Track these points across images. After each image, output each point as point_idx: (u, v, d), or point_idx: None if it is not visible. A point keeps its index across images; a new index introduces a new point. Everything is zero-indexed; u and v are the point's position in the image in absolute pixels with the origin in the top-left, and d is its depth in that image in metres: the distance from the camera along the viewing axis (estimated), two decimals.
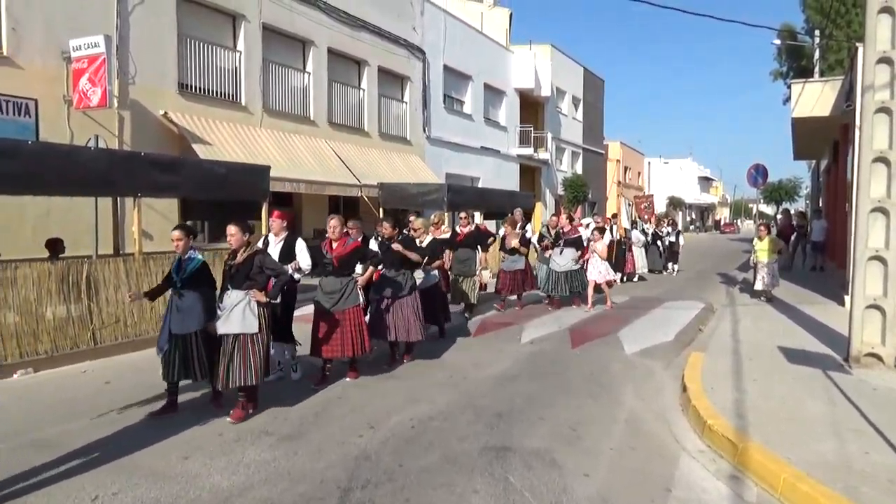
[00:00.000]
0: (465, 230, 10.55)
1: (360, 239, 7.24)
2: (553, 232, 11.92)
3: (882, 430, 4.96)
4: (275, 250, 6.65)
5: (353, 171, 16.56)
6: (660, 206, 49.08)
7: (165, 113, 12.85)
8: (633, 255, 17.00)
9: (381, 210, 14.37)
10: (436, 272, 8.66)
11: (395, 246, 7.30)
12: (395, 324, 7.30)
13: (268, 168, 10.42)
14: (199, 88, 13.90)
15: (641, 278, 17.34)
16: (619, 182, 45.66)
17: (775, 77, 36.04)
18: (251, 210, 9.84)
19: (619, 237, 16.14)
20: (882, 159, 7.11)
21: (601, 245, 11.50)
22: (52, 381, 6.91)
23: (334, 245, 6.65)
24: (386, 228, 7.57)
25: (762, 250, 12.27)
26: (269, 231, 7.23)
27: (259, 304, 5.58)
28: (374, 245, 7.60)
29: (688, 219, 71.52)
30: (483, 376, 7.10)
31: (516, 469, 4.53)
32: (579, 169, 36.78)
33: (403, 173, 18.70)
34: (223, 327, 5.52)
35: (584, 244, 11.72)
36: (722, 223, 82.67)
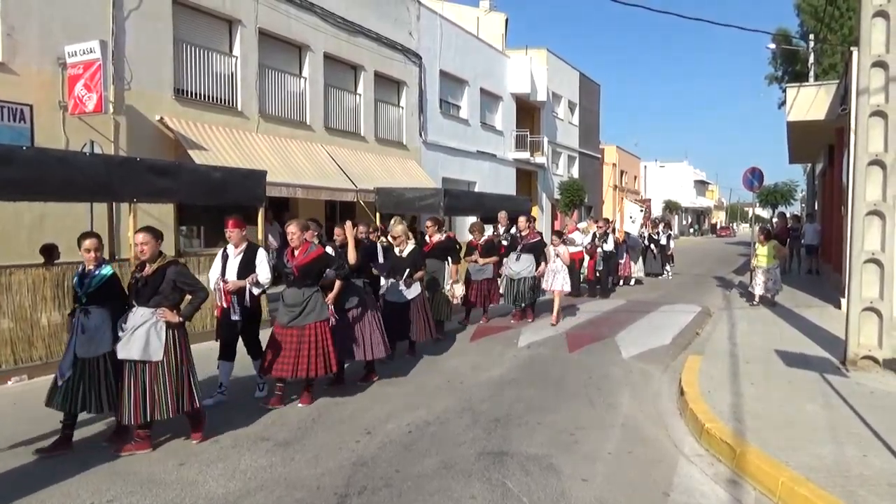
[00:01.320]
0: (434, 239, 9.38)
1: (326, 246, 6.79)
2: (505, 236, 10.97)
3: (879, 433, 4.96)
4: (234, 263, 6.15)
5: (350, 175, 16.55)
6: (656, 210, 49.12)
7: (161, 118, 12.83)
8: (628, 259, 16.93)
9: (377, 215, 14.34)
10: (418, 285, 7.93)
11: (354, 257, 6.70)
12: (356, 341, 6.66)
13: (264, 173, 10.40)
14: (196, 94, 13.88)
15: (639, 282, 17.32)
16: (616, 186, 45.73)
17: (770, 81, 36.20)
18: (248, 215, 9.81)
19: (616, 242, 16.02)
20: (877, 162, 7.14)
21: (563, 250, 10.53)
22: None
23: (296, 253, 6.08)
24: (338, 234, 6.98)
25: (763, 255, 12.20)
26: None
27: (169, 325, 4.89)
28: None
29: (684, 222, 71.60)
30: (480, 381, 7.08)
31: (514, 474, 4.51)
32: (576, 173, 36.82)
33: (400, 178, 18.69)
34: (122, 351, 4.80)
35: (551, 249, 10.69)
36: (718, 227, 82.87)
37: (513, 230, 11.36)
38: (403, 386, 6.90)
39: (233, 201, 9.56)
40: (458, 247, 10.07)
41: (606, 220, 17.67)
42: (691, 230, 74.09)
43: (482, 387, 6.85)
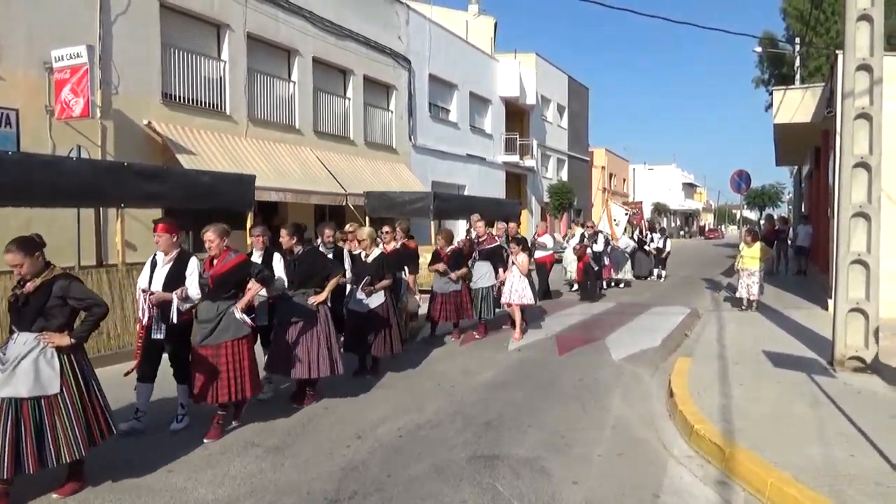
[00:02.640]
0: (390, 247, 8.45)
1: (259, 252, 6.31)
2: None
3: (867, 432, 4.99)
4: (161, 272, 5.39)
5: (339, 179, 16.52)
6: (646, 213, 49.36)
7: (149, 123, 12.77)
8: (612, 263, 16.76)
9: (367, 219, 14.34)
10: (382, 294, 7.34)
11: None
12: (297, 357, 6.01)
13: (253, 177, 10.37)
14: (184, 98, 13.82)
15: (627, 284, 17.37)
16: (605, 189, 45.91)
17: (757, 84, 36.53)
18: (236, 220, 9.77)
19: (605, 245, 15.93)
20: (863, 164, 7.21)
21: (522, 258, 9.43)
22: None
23: (214, 262, 5.47)
24: (284, 238, 6.32)
25: (751, 257, 11.87)
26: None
27: (62, 350, 4.12)
28: (276, 261, 6.22)
29: (673, 224, 71.99)
30: (471, 384, 7.08)
31: (505, 477, 4.51)
32: (565, 176, 36.96)
33: (389, 182, 18.69)
34: (4, 389, 3.96)
35: (512, 256, 9.69)
36: (706, 229, 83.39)
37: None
38: (394, 390, 6.88)
39: (221, 206, 9.53)
40: (416, 255, 9.27)
41: (594, 223, 17.63)
42: (682, 232, 74.49)
43: (473, 390, 6.85)
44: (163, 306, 5.27)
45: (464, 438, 5.31)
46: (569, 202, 33.49)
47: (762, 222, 27.43)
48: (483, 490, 4.32)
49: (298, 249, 6.29)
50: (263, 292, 5.86)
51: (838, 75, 8.82)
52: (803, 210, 23.91)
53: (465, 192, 24.39)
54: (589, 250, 14.56)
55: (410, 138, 21.95)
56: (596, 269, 14.73)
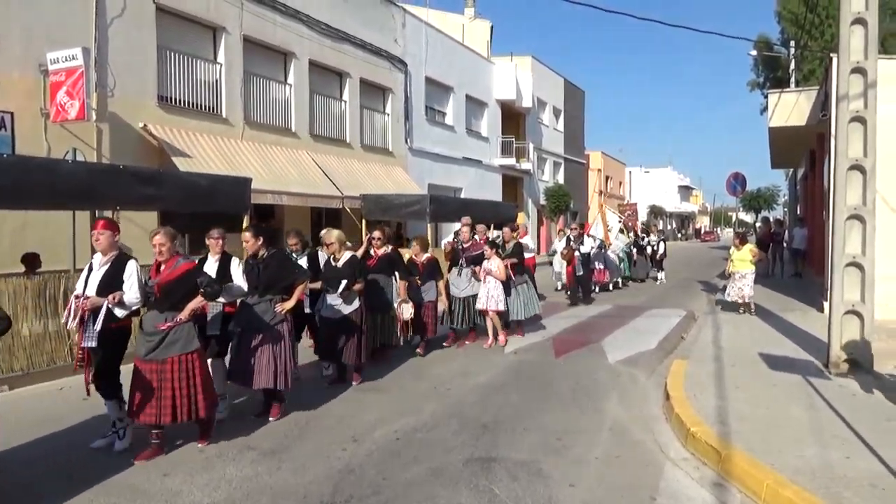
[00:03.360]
0: (379, 252, 8.25)
1: (217, 256, 5.93)
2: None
3: (862, 434, 5.01)
4: (97, 275, 4.98)
5: (336, 182, 16.51)
6: (641, 215, 49.44)
7: (145, 125, 12.74)
8: (607, 268, 16.57)
9: (363, 221, 14.32)
10: (357, 300, 7.07)
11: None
12: (259, 367, 5.67)
13: (249, 180, 10.35)
14: (180, 101, 13.80)
15: (617, 286, 17.26)
16: (602, 191, 45.99)
17: (752, 87, 36.71)
18: (232, 222, 9.75)
19: (593, 248, 15.58)
20: (857, 167, 7.24)
21: (496, 264, 9.01)
22: (29, 398, 6.77)
23: (162, 269, 5.02)
24: (247, 241, 5.92)
25: (740, 260, 11.85)
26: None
27: None
28: (234, 266, 5.90)
29: (669, 227, 72.16)
30: (468, 387, 7.08)
31: (501, 480, 4.51)
32: (561, 179, 37.00)
33: (386, 184, 18.68)
34: None
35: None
36: (702, 231, 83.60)
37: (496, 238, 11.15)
38: (390, 393, 6.87)
39: (217, 209, 9.50)
40: (403, 261, 8.78)
41: (582, 225, 17.36)
42: (679, 235, 74.66)
43: (469, 393, 6.84)
44: (97, 313, 4.86)
45: (460, 441, 5.31)
46: (565, 205, 33.51)
47: (758, 225, 27.50)
48: (480, 493, 4.32)
49: (263, 253, 5.91)
50: (221, 298, 5.53)
51: (833, 78, 8.86)
52: (799, 213, 24.00)
53: (462, 195, 24.39)
54: (577, 253, 14.33)
55: (407, 141, 21.95)
56: (582, 272, 14.43)
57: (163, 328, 4.86)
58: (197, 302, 5.03)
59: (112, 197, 8.21)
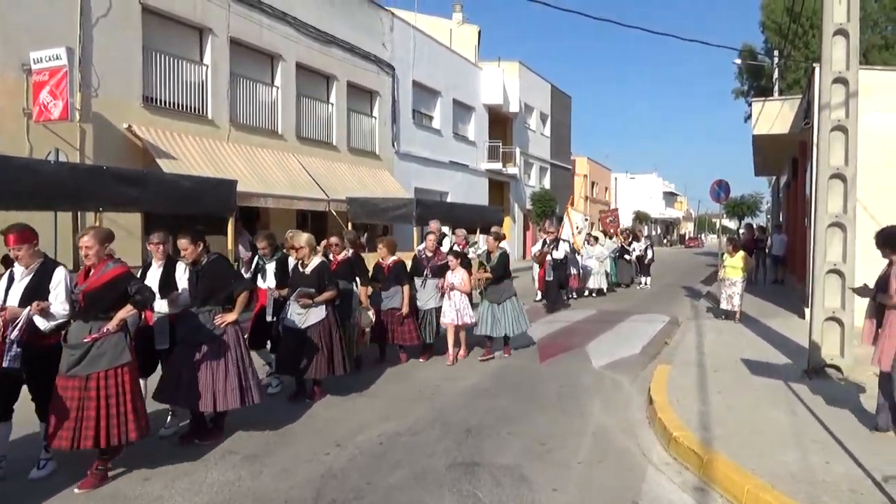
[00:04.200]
0: (340, 257, 7.73)
1: (161, 261, 5.50)
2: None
3: (842, 440, 5.07)
4: (19, 286, 4.50)
5: (322, 185, 16.47)
6: (625, 221, 49.75)
7: (129, 126, 12.64)
8: (580, 273, 16.23)
9: (349, 224, 14.30)
10: (323, 309, 6.51)
11: None
12: (197, 386, 5.09)
13: (234, 182, 10.31)
14: (165, 102, 13.71)
15: (600, 293, 16.97)
16: (587, 197, 46.22)
17: (737, 95, 37.06)
18: (217, 225, 9.70)
19: (566, 253, 15.01)
20: (839, 175, 7.34)
21: (460, 277, 8.42)
22: None
23: (90, 275, 4.53)
24: (185, 249, 5.28)
25: (733, 267, 11.65)
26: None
27: None
28: (180, 273, 5.47)
29: (654, 233, 72.71)
30: (453, 392, 7.07)
31: (485, 485, 4.51)
32: (547, 184, 37.13)
33: (372, 188, 18.67)
34: None
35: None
36: (686, 237, 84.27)
37: (481, 246, 10.69)
38: (374, 397, 6.85)
39: (203, 211, 9.45)
40: (364, 265, 8.22)
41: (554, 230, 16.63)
42: (664, 240, 75.20)
43: (454, 397, 6.84)
44: (19, 327, 4.25)
45: (444, 446, 5.30)
46: (551, 210, 33.63)
47: (741, 231, 27.78)
48: (463, 497, 4.31)
49: (203, 259, 5.34)
50: (165, 308, 5.23)
51: (815, 88, 8.99)
52: (780, 219, 24.27)
53: (449, 199, 24.42)
54: (549, 258, 13.93)
55: (394, 145, 21.95)
56: (553, 277, 14.01)
57: (88, 340, 4.35)
58: (126, 311, 4.48)
59: (95, 198, 8.14)
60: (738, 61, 31.80)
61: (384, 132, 21.46)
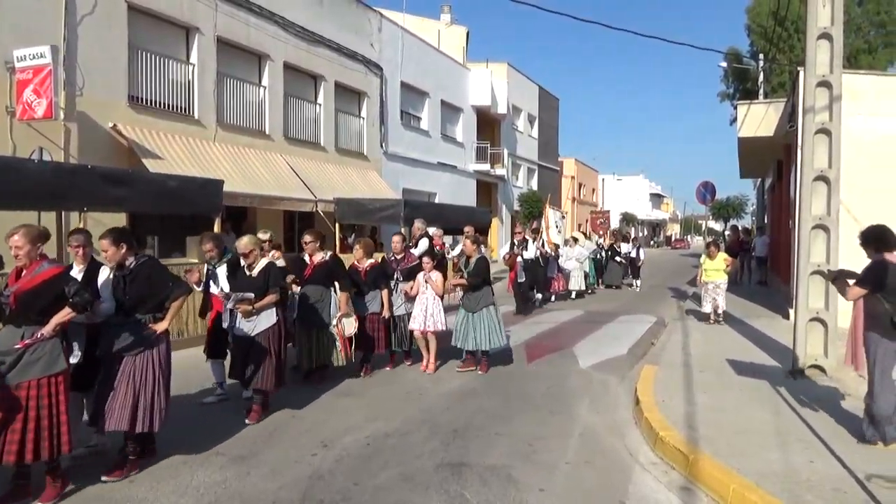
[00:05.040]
0: (315, 259, 7.28)
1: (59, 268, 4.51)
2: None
3: (825, 439, 5.12)
4: None
5: (309, 185, 16.40)
6: (614, 223, 49.98)
7: (115, 126, 12.52)
8: (561, 274, 15.96)
9: (337, 225, 14.26)
10: (273, 313, 6.03)
11: None
12: (117, 403, 4.57)
13: (221, 182, 10.25)
14: (151, 101, 13.59)
15: (580, 295, 16.67)
16: (575, 198, 46.39)
17: (722, 98, 37.41)
18: (204, 225, 9.65)
19: (539, 254, 14.41)
20: (822, 178, 7.42)
21: (436, 277, 7.96)
22: None
23: (21, 275, 4.22)
24: (105, 250, 4.75)
25: (714, 269, 11.56)
26: None
27: None
28: (103, 278, 4.93)
29: (641, 234, 73.14)
30: (440, 392, 7.07)
31: (472, 485, 4.51)
32: (535, 185, 37.22)
33: (360, 188, 18.62)
34: None
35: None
36: (673, 239, 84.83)
37: (458, 248, 10.15)
38: (362, 398, 6.84)
39: (189, 211, 9.40)
40: (344, 269, 7.66)
41: (535, 231, 16.01)
42: (652, 242, 75.66)
43: (441, 398, 6.84)
44: None
45: (432, 447, 5.30)
46: (539, 211, 33.75)
47: (727, 233, 28.02)
48: (451, 498, 4.32)
49: (131, 262, 4.80)
50: (82, 316, 4.58)
51: (799, 91, 9.07)
52: (765, 221, 24.49)
53: (436, 200, 24.42)
54: (519, 259, 13.39)
55: (382, 145, 21.92)
56: (524, 279, 13.52)
57: (20, 346, 4.04)
58: (63, 314, 4.16)
59: (79, 197, 8.08)
60: (724, 64, 32.10)
61: (372, 133, 21.42)
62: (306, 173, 16.96)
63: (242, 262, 6.18)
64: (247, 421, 5.87)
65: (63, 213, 10.07)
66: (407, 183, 23.20)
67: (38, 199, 7.80)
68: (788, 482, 4.30)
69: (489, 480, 4.59)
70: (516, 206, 33.92)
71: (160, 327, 4.75)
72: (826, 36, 7.44)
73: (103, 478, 4.51)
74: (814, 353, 7.36)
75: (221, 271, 6.44)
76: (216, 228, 9.86)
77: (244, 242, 6.09)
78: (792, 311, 8.51)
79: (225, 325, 6.28)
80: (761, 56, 27.29)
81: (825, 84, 7.44)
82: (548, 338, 10.61)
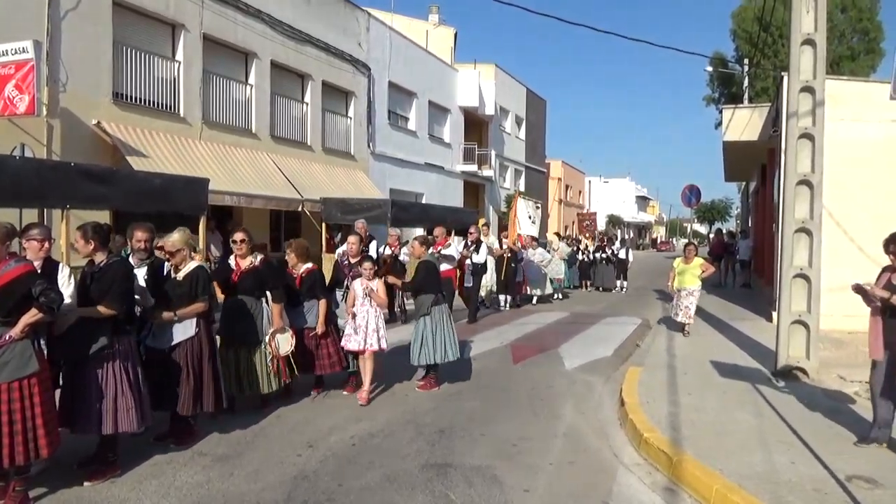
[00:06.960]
0: (243, 264, 6.14)
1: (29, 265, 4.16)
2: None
3: (807, 440, 5.18)
4: None
5: (296, 185, 16.33)
6: (600, 225, 50.23)
7: (98, 123, 12.40)
8: (527, 277, 15.15)
9: (323, 225, 14.21)
10: (192, 324, 5.21)
11: None
12: (80, 408, 4.41)
13: (206, 181, 10.15)
14: (135, 98, 13.47)
15: (547, 299, 15.98)
16: (561, 200, 46.57)
17: (708, 102, 37.71)
18: (189, 224, 9.54)
19: (503, 254, 13.82)
20: (805, 182, 7.50)
21: (376, 287, 6.64)
22: None
23: None
24: (77, 242, 4.62)
25: (691, 274, 10.56)
26: None
27: None
28: (62, 277, 4.54)
29: (627, 236, 73.60)
30: (425, 393, 7.06)
31: (457, 486, 4.51)
32: (522, 186, 37.30)
33: (347, 188, 18.57)
34: None
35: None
36: (658, 241, 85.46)
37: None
38: (346, 398, 6.81)
39: (173, 209, 9.30)
40: (278, 276, 6.59)
41: (485, 225, 14.56)
42: (639, 244, 76.12)
43: (426, 399, 6.83)
44: None
45: (416, 447, 5.29)
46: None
47: (712, 236, 28.28)
48: (435, 498, 4.31)
49: (101, 261, 4.59)
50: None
51: (783, 96, 9.17)
52: (748, 224, 24.73)
53: (423, 201, 24.41)
54: (468, 261, 12.14)
55: (369, 145, 21.87)
56: (472, 283, 12.38)
57: None
58: (31, 315, 3.96)
59: (62, 195, 7.95)
60: (710, 69, 32.34)
61: (359, 132, 21.37)
62: (293, 173, 16.89)
63: (167, 265, 5.41)
64: (170, 442, 5.23)
65: (45, 211, 9.95)
66: (394, 183, 23.17)
67: (19, 197, 7.68)
68: (770, 483, 4.34)
69: (474, 481, 4.60)
70: (503, 208, 33.99)
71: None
72: (810, 42, 7.53)
73: (86, 483, 4.44)
74: (796, 356, 7.43)
75: (140, 273, 5.27)
76: (201, 227, 9.78)
77: (173, 239, 5.27)
78: (775, 314, 8.59)
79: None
80: (746, 61, 27.57)
81: (808, 89, 7.53)
82: (533, 339, 10.63)
